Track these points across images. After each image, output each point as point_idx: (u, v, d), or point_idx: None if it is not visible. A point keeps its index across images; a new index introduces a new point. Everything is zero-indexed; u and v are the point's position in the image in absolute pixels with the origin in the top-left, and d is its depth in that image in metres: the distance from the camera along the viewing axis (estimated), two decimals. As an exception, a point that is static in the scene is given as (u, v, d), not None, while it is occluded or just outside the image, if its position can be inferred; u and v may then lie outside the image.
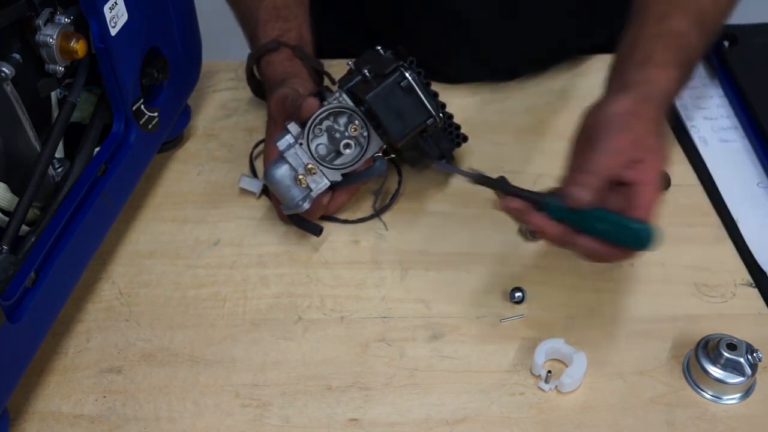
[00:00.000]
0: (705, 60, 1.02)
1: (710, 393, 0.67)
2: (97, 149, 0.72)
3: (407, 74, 0.72)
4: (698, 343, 0.68)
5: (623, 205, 0.63)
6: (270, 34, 0.85)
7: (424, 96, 0.72)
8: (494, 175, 0.69)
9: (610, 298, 0.75)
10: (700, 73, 1.00)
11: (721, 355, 0.66)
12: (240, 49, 0.96)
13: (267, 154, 0.80)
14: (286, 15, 0.87)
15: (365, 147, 0.76)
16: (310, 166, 0.75)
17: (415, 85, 0.72)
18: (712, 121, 0.94)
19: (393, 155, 0.78)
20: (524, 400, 0.67)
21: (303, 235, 0.80)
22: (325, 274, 0.78)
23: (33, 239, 0.64)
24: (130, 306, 0.75)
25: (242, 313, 0.74)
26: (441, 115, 0.75)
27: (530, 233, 0.80)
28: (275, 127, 0.79)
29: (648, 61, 0.68)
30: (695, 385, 0.68)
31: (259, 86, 0.90)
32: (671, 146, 0.91)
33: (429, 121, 0.72)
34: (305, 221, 0.78)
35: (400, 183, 0.85)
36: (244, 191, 0.85)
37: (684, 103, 0.96)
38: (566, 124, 0.93)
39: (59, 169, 0.69)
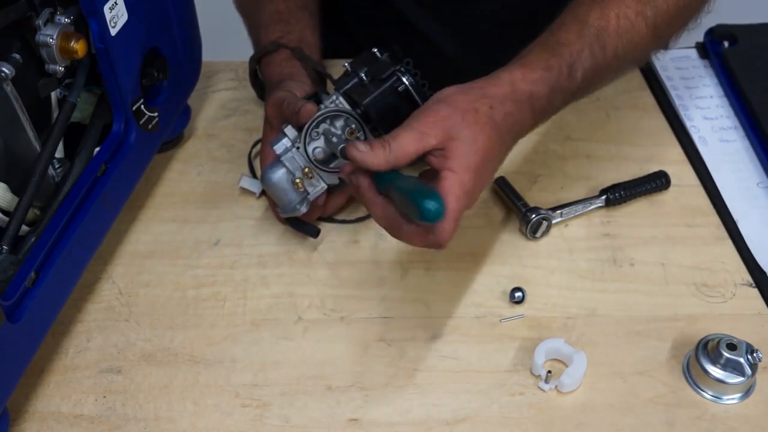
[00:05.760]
0: (705, 60, 1.02)
1: (710, 393, 0.67)
2: (97, 149, 0.72)
3: (404, 79, 0.72)
4: (698, 343, 0.68)
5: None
6: (270, 37, 0.86)
7: (421, 100, 0.72)
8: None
9: (610, 298, 0.75)
10: (700, 73, 1.00)
11: (721, 355, 0.66)
12: (240, 49, 0.96)
13: (263, 157, 0.80)
14: (288, 18, 0.88)
15: None
16: (307, 170, 0.74)
17: (412, 90, 0.72)
18: (712, 121, 0.94)
19: None
20: (524, 400, 0.67)
21: (303, 235, 0.80)
22: (325, 274, 0.78)
23: (33, 239, 0.64)
24: (130, 306, 0.75)
25: (242, 313, 0.74)
26: None
27: (530, 233, 0.80)
28: (271, 131, 0.79)
29: (513, 62, 0.67)
30: (695, 385, 0.68)
31: (263, 89, 0.90)
32: (674, 146, 0.91)
33: None
34: (302, 223, 0.78)
35: None
36: (244, 191, 0.85)
37: (684, 103, 0.96)
38: (566, 124, 0.94)
39: (59, 169, 0.69)
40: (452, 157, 0.61)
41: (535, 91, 0.66)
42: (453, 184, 0.61)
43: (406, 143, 0.61)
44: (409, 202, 0.59)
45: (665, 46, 0.77)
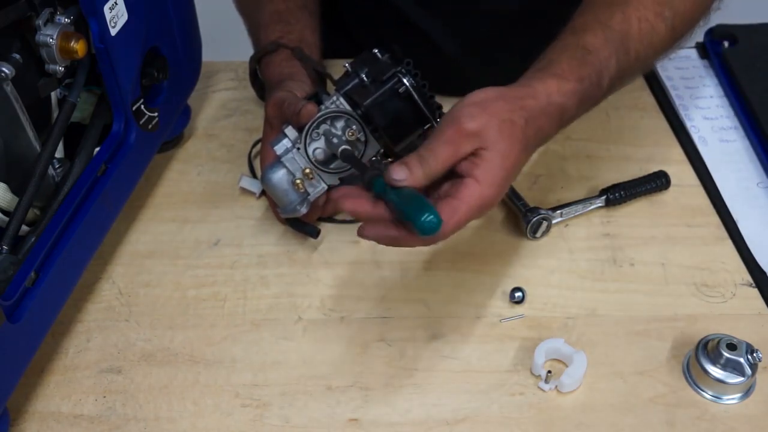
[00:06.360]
0: (705, 60, 1.02)
1: (710, 393, 0.67)
2: (97, 149, 0.72)
3: (405, 81, 0.71)
4: (698, 343, 0.68)
5: (449, 192, 0.61)
6: (270, 37, 0.86)
7: (422, 102, 0.72)
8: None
9: (610, 298, 0.75)
10: (700, 73, 1.00)
11: (721, 355, 0.66)
12: (240, 49, 0.96)
13: (263, 157, 0.80)
14: (288, 18, 0.88)
15: (362, 151, 0.75)
16: (307, 170, 0.74)
17: (413, 92, 0.72)
18: (712, 121, 0.94)
19: (390, 159, 0.78)
20: (524, 400, 0.67)
21: (303, 235, 0.80)
22: (325, 274, 0.78)
23: (33, 239, 0.64)
24: (130, 306, 0.75)
25: (242, 313, 0.74)
26: (438, 119, 0.74)
27: (530, 233, 0.80)
28: (271, 131, 0.79)
29: (545, 69, 0.67)
30: (695, 385, 0.68)
31: (263, 89, 0.90)
32: (674, 146, 0.91)
33: (427, 127, 0.72)
34: (302, 223, 0.78)
35: None
36: (244, 191, 0.85)
37: (684, 103, 0.96)
38: (566, 124, 0.93)
39: (59, 169, 0.69)
40: (481, 166, 0.60)
41: (566, 103, 0.65)
42: (473, 195, 0.60)
43: (443, 158, 0.60)
44: (406, 212, 0.58)
45: (680, 47, 0.77)
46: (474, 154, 0.61)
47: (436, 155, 0.60)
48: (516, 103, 0.63)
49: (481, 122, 0.61)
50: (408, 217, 0.58)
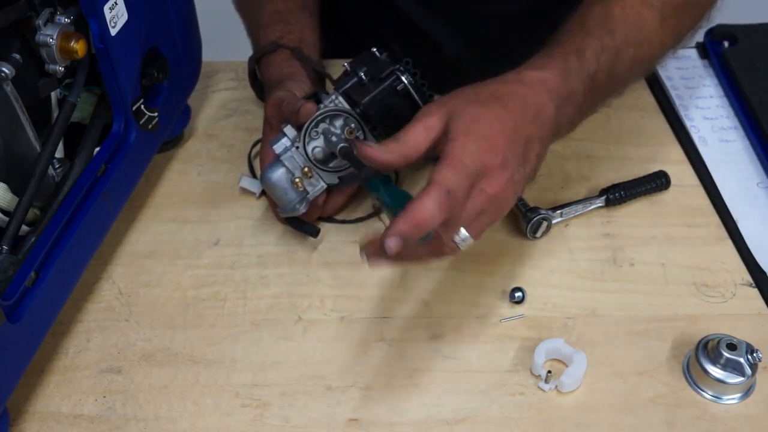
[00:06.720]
0: (705, 60, 1.02)
1: (710, 393, 0.67)
2: (97, 149, 0.72)
3: (403, 78, 0.72)
4: (698, 343, 0.68)
5: None
6: (270, 37, 0.86)
7: (420, 100, 0.72)
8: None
9: (610, 298, 0.75)
10: (700, 73, 1.00)
11: (721, 355, 0.66)
12: (240, 49, 0.96)
13: (263, 157, 0.80)
14: (288, 18, 0.88)
15: None
16: (306, 169, 0.74)
17: (411, 90, 0.72)
18: (712, 121, 0.94)
19: None
20: (524, 400, 0.67)
21: (303, 235, 0.80)
22: (325, 274, 0.78)
23: (33, 239, 0.64)
24: (130, 306, 0.75)
25: (242, 313, 0.74)
26: None
27: (530, 233, 0.80)
28: (271, 130, 0.79)
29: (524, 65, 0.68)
30: (695, 385, 0.68)
31: (263, 89, 0.90)
32: (674, 146, 0.91)
33: None
34: (302, 223, 0.78)
35: (397, 182, 0.85)
36: (244, 191, 0.85)
37: (684, 103, 0.96)
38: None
39: (59, 169, 0.69)
40: (452, 130, 0.61)
41: (542, 75, 0.66)
42: (454, 147, 0.60)
43: (414, 135, 0.62)
44: (394, 210, 0.60)
45: (680, 43, 0.77)
46: (445, 131, 0.62)
47: (408, 133, 0.62)
48: (479, 83, 0.66)
49: (444, 100, 0.64)
50: (398, 210, 0.59)
